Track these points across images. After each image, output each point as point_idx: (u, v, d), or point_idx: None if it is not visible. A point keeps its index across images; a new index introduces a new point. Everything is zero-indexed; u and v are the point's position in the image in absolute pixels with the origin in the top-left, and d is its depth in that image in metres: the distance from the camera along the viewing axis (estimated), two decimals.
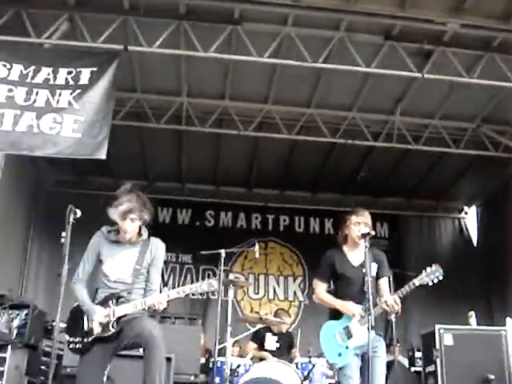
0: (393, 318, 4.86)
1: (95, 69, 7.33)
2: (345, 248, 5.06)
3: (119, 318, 4.31)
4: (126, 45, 7.64)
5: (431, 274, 4.54)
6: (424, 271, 4.57)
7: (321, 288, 5.04)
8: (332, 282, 5.05)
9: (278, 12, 7.72)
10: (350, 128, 10.05)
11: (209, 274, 11.89)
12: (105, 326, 4.30)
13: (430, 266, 4.62)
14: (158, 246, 4.68)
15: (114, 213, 4.47)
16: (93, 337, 4.31)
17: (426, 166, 11.60)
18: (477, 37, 8.08)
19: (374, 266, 4.86)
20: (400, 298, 4.62)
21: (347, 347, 4.71)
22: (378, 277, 4.91)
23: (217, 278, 4.92)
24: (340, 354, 4.74)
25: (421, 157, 10.79)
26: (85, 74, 7.28)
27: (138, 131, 10.33)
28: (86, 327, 4.35)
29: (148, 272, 4.56)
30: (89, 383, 4.29)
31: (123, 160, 11.15)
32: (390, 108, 9.90)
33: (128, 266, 4.49)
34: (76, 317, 4.43)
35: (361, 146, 10.45)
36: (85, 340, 4.32)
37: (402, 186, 12.42)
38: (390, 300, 4.59)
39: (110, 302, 4.37)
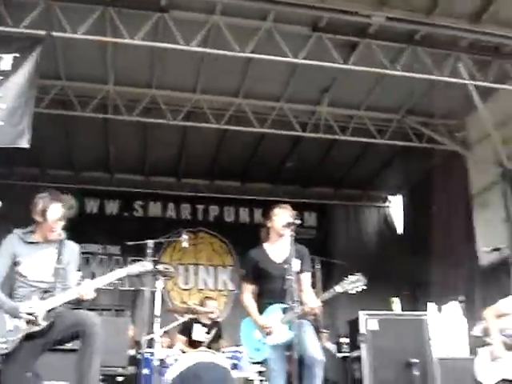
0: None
1: (18, 55, 7.10)
2: (268, 245, 5.07)
3: (48, 311, 4.20)
4: (50, 30, 7.42)
5: (353, 284, 4.49)
6: (346, 278, 4.54)
7: (246, 292, 5.02)
8: (258, 282, 5.02)
9: (206, 0, 7.68)
10: (278, 118, 10.13)
11: None
12: (33, 321, 4.17)
13: (353, 274, 4.57)
14: (73, 250, 4.56)
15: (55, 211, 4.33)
16: (21, 334, 4.17)
17: (353, 156, 11.84)
18: (401, 30, 8.28)
19: (297, 262, 4.84)
20: (321, 302, 4.63)
21: (265, 343, 4.72)
22: (300, 272, 4.91)
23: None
24: (258, 349, 4.75)
25: (347, 147, 10.99)
26: (6, 60, 7.03)
27: (63, 120, 10.06)
28: (9, 326, 4.20)
29: (66, 272, 4.45)
30: (14, 383, 4.15)
31: (49, 150, 10.88)
32: (317, 99, 10.03)
33: (48, 265, 4.37)
34: None
35: (289, 136, 10.55)
36: (10, 339, 4.18)
37: (329, 175, 12.64)
38: (313, 305, 4.59)
39: (35, 297, 4.24)
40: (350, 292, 4.52)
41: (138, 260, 11.71)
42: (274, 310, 4.80)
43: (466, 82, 8.56)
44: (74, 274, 4.52)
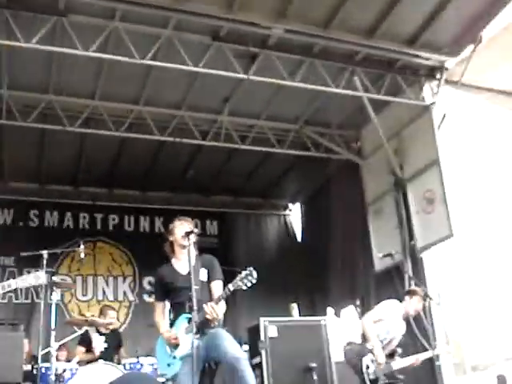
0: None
1: None
2: (173, 260, 5.10)
3: None
4: None
5: (244, 279, 4.54)
6: (238, 276, 4.59)
7: (157, 310, 5.07)
8: (168, 298, 5.07)
9: (105, 6, 7.53)
10: (179, 126, 10.09)
11: None
12: None
13: (245, 268, 4.64)
14: None
15: None
16: None
17: (253, 165, 12.00)
18: (299, 42, 8.50)
19: (204, 271, 4.91)
20: (217, 302, 4.69)
21: (174, 357, 4.75)
22: (210, 281, 4.96)
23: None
24: (169, 365, 4.78)
25: (248, 156, 11.13)
26: None
27: None
28: None
29: None
30: None
31: None
32: (218, 107, 10.09)
33: None
34: None
35: (190, 145, 10.54)
36: None
37: (230, 184, 12.73)
38: (207, 308, 4.62)
39: None
40: (243, 288, 4.58)
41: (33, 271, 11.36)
42: (181, 322, 4.82)
43: (361, 94, 8.89)
44: None
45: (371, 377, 5.89)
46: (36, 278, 4.21)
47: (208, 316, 4.62)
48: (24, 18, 7.41)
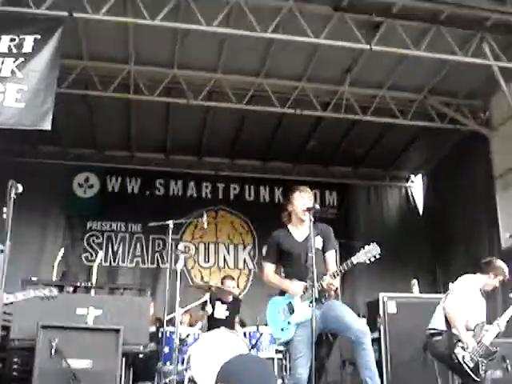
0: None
1: (39, 36, 7.12)
2: (289, 226, 5.12)
3: None
4: (71, 11, 7.43)
5: (368, 253, 4.58)
6: (362, 249, 4.61)
7: (268, 269, 5.12)
8: (282, 262, 5.11)
9: None
10: (299, 98, 10.07)
11: (159, 244, 11.90)
12: None
13: (369, 244, 4.65)
14: None
15: None
16: None
17: (374, 136, 11.75)
18: (424, 10, 8.16)
19: (319, 239, 4.92)
20: (339, 274, 4.71)
21: (289, 322, 4.81)
22: (324, 250, 4.98)
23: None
24: (283, 329, 4.84)
25: (369, 127, 10.90)
26: (28, 42, 7.06)
27: (85, 99, 10.11)
28: None
29: None
30: None
31: (71, 129, 10.98)
32: (338, 78, 9.95)
33: None
34: None
35: (310, 116, 10.50)
36: None
37: (350, 155, 12.55)
38: (325, 283, 4.66)
39: None
40: (366, 262, 4.61)
41: (160, 239, 11.96)
42: None
43: (490, 62, 8.44)
44: None
45: (471, 365, 5.61)
46: (50, 291, 4.55)
47: (326, 285, 4.67)
48: None
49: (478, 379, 5.60)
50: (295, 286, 4.83)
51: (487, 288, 6.23)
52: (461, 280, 6.17)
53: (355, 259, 4.62)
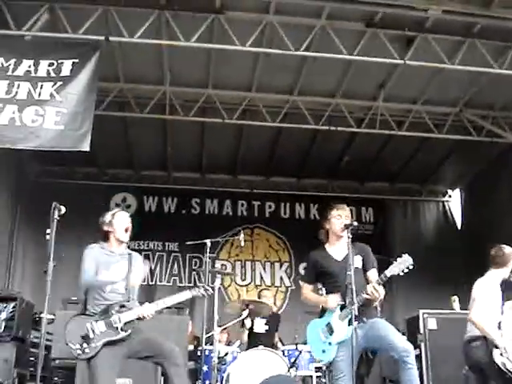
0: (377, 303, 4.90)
1: (77, 60, 7.29)
2: (327, 245, 5.11)
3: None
4: (108, 35, 7.60)
5: (401, 265, 4.55)
6: (394, 261, 4.59)
7: (306, 289, 5.12)
8: (321, 282, 5.10)
9: (259, 0, 7.70)
10: (333, 114, 10.08)
11: (195, 262, 11.96)
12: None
13: (401, 256, 4.63)
14: (139, 260, 5.06)
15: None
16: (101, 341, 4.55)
17: (410, 150, 11.67)
18: (458, 23, 8.10)
19: (359, 258, 4.90)
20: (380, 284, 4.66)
21: (330, 343, 4.77)
22: (365, 269, 4.94)
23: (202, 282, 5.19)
24: (324, 351, 4.81)
25: (404, 141, 10.85)
26: (66, 66, 7.23)
27: (122, 120, 10.31)
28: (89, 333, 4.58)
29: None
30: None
31: (108, 149, 11.16)
32: (372, 94, 9.94)
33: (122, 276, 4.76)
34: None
35: (344, 132, 10.49)
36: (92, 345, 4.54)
37: (386, 170, 12.50)
38: (370, 288, 4.62)
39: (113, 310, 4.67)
40: (400, 274, 4.57)
41: (197, 257, 12.02)
42: (334, 310, 4.84)
43: None
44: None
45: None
46: (206, 290, 4.85)
47: (369, 296, 4.62)
48: (183, 18, 7.79)
49: None
50: (331, 299, 4.81)
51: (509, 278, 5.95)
52: (478, 285, 5.99)
53: (388, 272, 4.60)
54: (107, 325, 4.60)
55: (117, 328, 4.60)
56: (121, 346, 4.60)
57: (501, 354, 5.44)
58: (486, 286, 5.88)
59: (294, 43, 7.98)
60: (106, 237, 4.94)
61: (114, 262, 4.85)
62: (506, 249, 5.98)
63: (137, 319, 4.68)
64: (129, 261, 4.95)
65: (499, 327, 5.58)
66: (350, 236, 4.74)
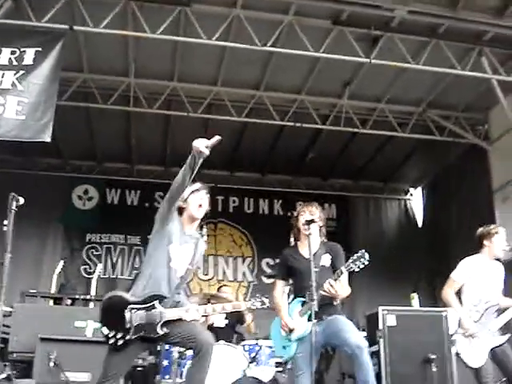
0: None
1: (40, 49, 7.16)
2: (299, 243, 5.13)
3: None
4: (72, 24, 7.48)
5: (356, 261, 4.58)
6: (350, 258, 4.62)
7: (277, 288, 5.10)
8: (292, 279, 5.12)
9: None
10: (298, 111, 10.12)
11: None
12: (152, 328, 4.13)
13: (357, 252, 4.65)
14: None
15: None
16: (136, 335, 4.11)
17: (374, 148, 11.79)
18: (423, 23, 8.20)
19: (327, 256, 4.91)
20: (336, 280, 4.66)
21: (290, 340, 4.79)
22: (335, 268, 4.92)
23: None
24: (284, 347, 4.84)
25: (368, 139, 10.95)
26: (29, 54, 7.09)
27: (85, 111, 10.16)
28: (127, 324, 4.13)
29: None
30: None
31: (71, 140, 11.02)
32: (338, 91, 9.99)
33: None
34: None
35: (310, 129, 10.54)
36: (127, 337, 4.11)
37: (349, 167, 12.61)
38: (326, 285, 4.61)
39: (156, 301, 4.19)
40: (355, 270, 4.60)
41: None
42: (295, 304, 4.89)
43: (489, 76, 8.49)
44: None
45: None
46: (262, 303, 4.51)
47: (326, 293, 4.62)
48: (149, 9, 7.71)
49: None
50: (285, 319, 4.82)
51: (497, 255, 5.88)
52: (460, 264, 6.06)
53: (344, 268, 4.63)
54: (147, 318, 4.10)
55: (156, 324, 4.10)
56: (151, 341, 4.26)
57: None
58: (466, 264, 5.96)
59: (260, 38, 7.97)
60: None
61: (182, 243, 4.53)
62: (479, 230, 6.03)
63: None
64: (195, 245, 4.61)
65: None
66: (311, 233, 4.75)
